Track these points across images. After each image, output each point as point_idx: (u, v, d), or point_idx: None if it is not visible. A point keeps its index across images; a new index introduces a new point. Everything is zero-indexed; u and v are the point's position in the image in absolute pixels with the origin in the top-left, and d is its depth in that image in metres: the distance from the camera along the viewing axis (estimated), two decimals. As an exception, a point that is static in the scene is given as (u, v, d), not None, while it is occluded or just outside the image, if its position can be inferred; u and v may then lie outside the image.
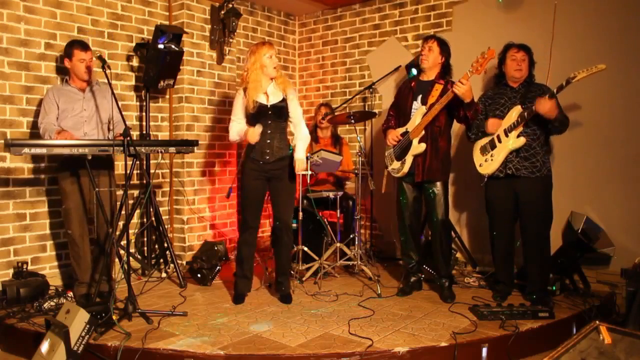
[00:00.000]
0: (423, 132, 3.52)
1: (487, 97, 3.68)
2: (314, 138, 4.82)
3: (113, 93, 3.21)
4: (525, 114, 3.34)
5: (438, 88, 3.54)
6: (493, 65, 3.67)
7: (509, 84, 3.58)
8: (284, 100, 3.47)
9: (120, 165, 4.13)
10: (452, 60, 3.68)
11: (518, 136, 3.41)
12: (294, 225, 4.09)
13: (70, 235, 3.46)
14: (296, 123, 3.55)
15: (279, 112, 3.45)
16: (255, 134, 3.35)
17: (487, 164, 3.54)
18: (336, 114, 4.66)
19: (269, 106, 3.43)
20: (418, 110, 3.57)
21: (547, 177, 3.48)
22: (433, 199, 3.57)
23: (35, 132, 3.83)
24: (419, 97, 3.61)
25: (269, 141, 3.43)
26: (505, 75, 3.59)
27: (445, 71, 3.63)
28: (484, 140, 3.60)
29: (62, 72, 3.97)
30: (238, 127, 3.46)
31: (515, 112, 3.42)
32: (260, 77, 3.39)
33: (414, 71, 4.06)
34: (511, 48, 3.56)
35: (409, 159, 3.60)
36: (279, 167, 3.47)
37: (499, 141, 3.48)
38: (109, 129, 3.61)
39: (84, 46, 3.48)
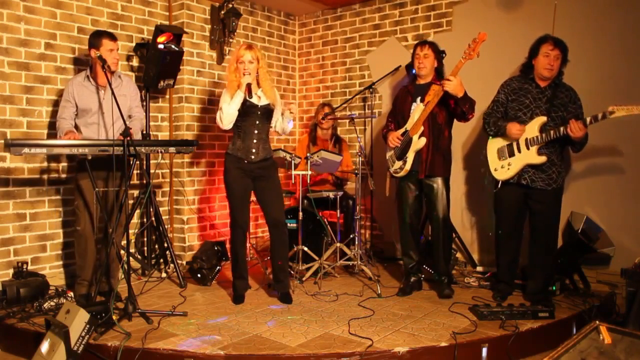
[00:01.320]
0: (422, 127, 3.53)
1: (510, 88, 3.49)
2: (313, 138, 4.83)
3: (113, 94, 3.20)
4: (552, 132, 3.24)
5: (435, 88, 3.54)
6: (496, 62, 3.62)
7: (537, 81, 3.40)
8: (270, 104, 3.48)
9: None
10: (453, 61, 3.68)
11: (540, 152, 3.31)
12: (294, 225, 4.10)
13: (78, 232, 3.46)
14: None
15: (268, 114, 3.48)
16: (245, 79, 3.31)
17: (502, 170, 3.47)
18: (337, 113, 4.67)
19: (259, 106, 3.43)
20: (416, 108, 3.59)
21: (560, 188, 3.43)
22: (434, 195, 3.58)
23: (36, 131, 3.84)
24: (418, 99, 3.63)
25: (255, 141, 3.44)
26: (534, 69, 3.39)
27: (440, 72, 3.66)
28: (501, 142, 3.51)
29: (63, 71, 3.99)
30: (227, 101, 3.38)
31: (537, 124, 3.31)
32: (235, 78, 3.38)
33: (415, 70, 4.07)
34: (547, 42, 3.32)
35: (410, 156, 3.60)
36: (263, 167, 3.48)
37: (519, 151, 3.39)
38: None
39: (112, 36, 3.45)
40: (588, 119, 3.17)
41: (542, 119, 3.32)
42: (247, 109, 3.39)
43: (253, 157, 3.43)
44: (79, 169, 3.45)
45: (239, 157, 3.43)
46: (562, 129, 3.22)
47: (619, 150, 3.92)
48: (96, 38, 3.41)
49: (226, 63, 4.94)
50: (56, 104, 3.83)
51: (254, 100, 3.41)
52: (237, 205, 3.47)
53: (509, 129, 3.40)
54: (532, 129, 3.35)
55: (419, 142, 3.55)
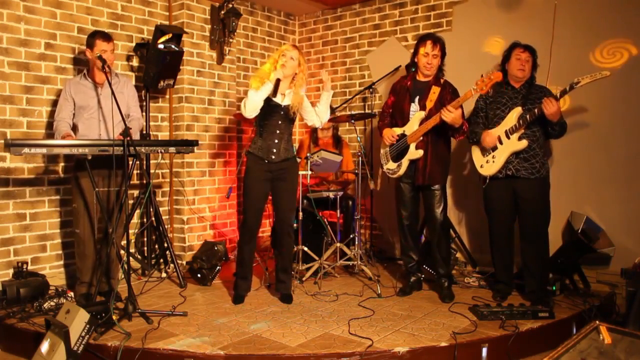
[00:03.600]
0: (421, 137, 3.53)
1: (487, 94, 3.64)
2: (314, 139, 4.83)
3: (113, 93, 3.20)
4: (527, 116, 3.35)
5: (435, 91, 3.53)
6: (497, 63, 3.63)
7: (511, 83, 3.56)
8: (290, 106, 3.45)
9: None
10: (452, 61, 3.68)
11: (520, 138, 3.41)
12: (294, 225, 4.10)
13: (77, 235, 3.46)
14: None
15: (290, 114, 3.46)
16: (277, 74, 3.28)
17: (488, 165, 3.54)
18: (337, 113, 4.67)
19: (282, 106, 3.40)
20: (416, 115, 3.55)
21: (545, 178, 3.49)
22: (432, 199, 3.58)
23: (36, 131, 3.84)
24: (417, 99, 3.60)
25: (277, 141, 3.42)
26: (508, 73, 3.57)
27: (440, 69, 3.62)
28: None
29: (63, 71, 3.99)
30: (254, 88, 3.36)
31: (515, 114, 3.42)
32: (269, 69, 3.37)
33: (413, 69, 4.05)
34: (517, 47, 3.53)
35: (405, 163, 3.60)
36: (283, 167, 3.45)
37: (500, 143, 3.48)
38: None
39: (107, 37, 3.45)
40: (558, 94, 3.29)
41: (518, 109, 3.44)
42: (270, 108, 3.37)
43: (273, 157, 3.41)
44: (77, 168, 3.45)
45: (259, 157, 3.40)
46: (535, 110, 3.32)
47: (619, 150, 3.91)
48: (91, 39, 3.43)
49: (226, 63, 4.95)
50: (56, 104, 3.82)
51: (278, 99, 3.37)
52: (252, 208, 3.43)
53: (483, 137, 3.55)
54: (510, 119, 3.45)
55: (415, 153, 3.54)
